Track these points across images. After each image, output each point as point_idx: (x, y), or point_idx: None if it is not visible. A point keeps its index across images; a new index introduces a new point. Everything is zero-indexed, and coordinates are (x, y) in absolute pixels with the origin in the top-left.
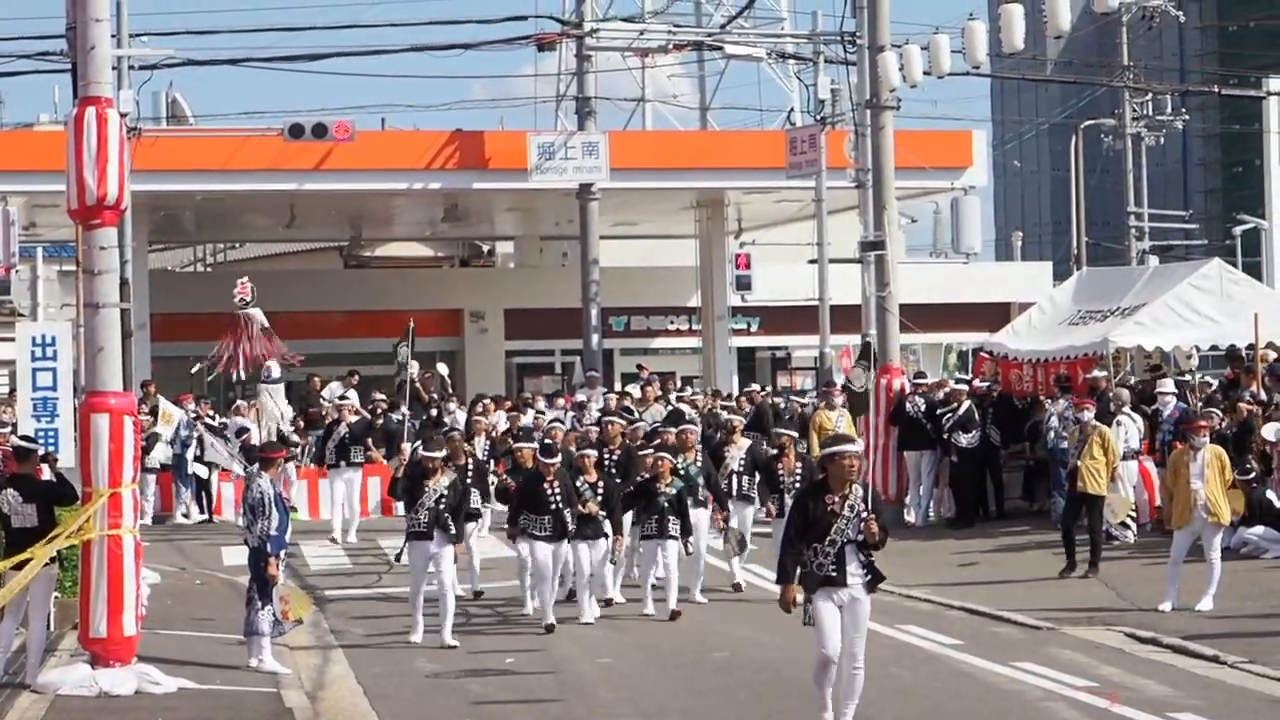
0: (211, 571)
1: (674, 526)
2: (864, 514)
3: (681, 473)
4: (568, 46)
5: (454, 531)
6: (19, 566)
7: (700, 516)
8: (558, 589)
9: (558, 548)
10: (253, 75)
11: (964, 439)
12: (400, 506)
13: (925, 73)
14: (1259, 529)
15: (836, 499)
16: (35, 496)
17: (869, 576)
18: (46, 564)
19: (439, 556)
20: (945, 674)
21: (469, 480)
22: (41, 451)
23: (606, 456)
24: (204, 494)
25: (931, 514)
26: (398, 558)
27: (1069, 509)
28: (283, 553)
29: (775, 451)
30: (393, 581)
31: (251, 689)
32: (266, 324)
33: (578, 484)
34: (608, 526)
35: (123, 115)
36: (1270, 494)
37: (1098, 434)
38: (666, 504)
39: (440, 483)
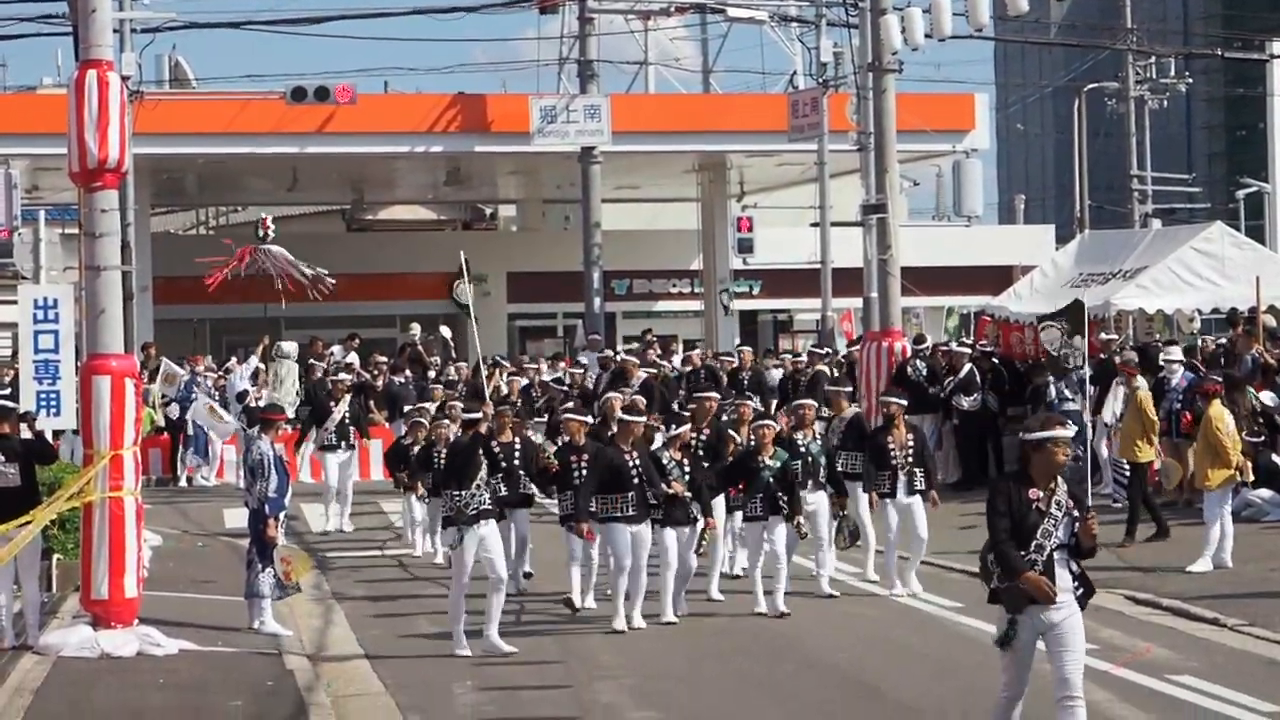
0: (213, 534)
1: (780, 505)
2: (1074, 512)
3: (802, 448)
4: (570, 9)
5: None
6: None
7: (820, 501)
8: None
9: (640, 530)
10: (255, 38)
11: (965, 402)
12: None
13: (927, 35)
14: (1265, 492)
15: (1041, 494)
16: (18, 456)
17: (1080, 590)
18: (26, 524)
19: (487, 541)
20: (946, 636)
21: (516, 461)
22: (20, 411)
23: (694, 438)
24: (208, 455)
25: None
26: (453, 547)
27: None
28: (282, 514)
29: (881, 423)
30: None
31: (253, 651)
32: (289, 259)
33: (663, 461)
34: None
35: (124, 78)
36: (1276, 457)
37: (1136, 399)
38: (771, 479)
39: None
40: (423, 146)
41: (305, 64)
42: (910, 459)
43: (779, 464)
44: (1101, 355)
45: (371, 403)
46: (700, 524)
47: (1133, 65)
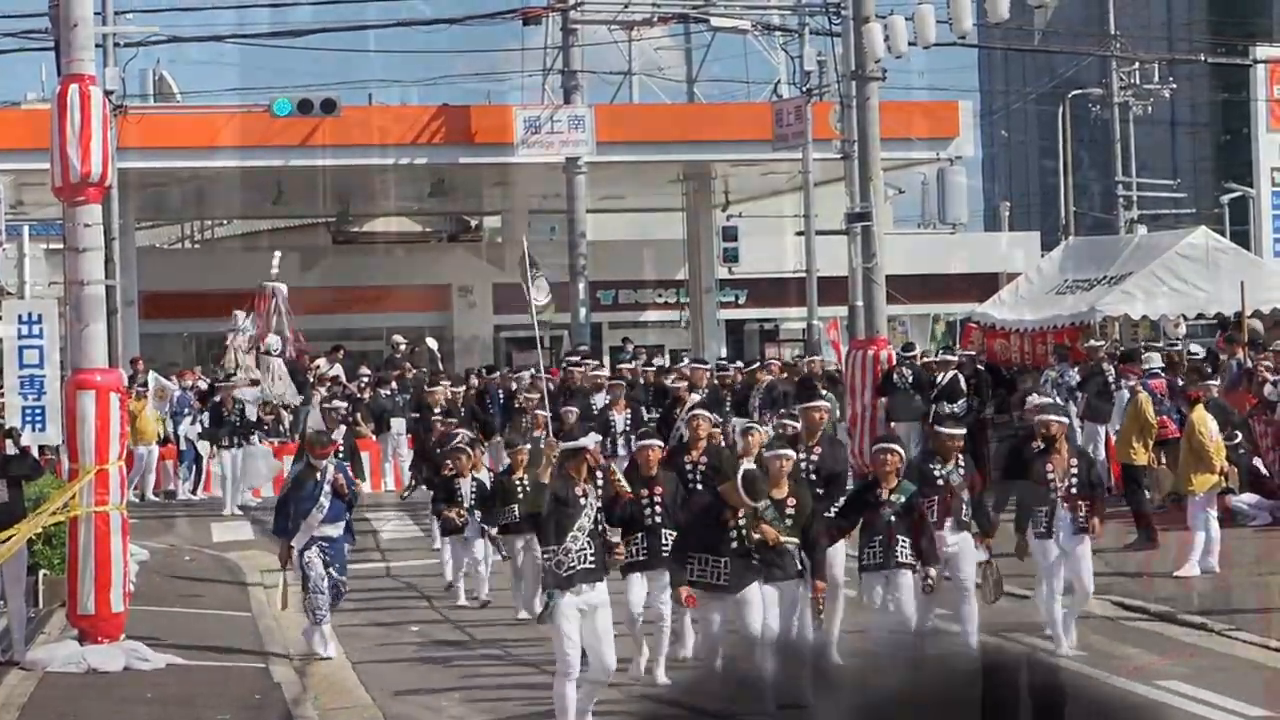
0: (201, 548)
1: (905, 551)
2: None
3: (940, 480)
4: (554, 20)
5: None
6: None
7: (963, 542)
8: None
9: (745, 595)
10: (239, 52)
11: (951, 408)
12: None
13: (911, 43)
14: (1250, 497)
15: None
16: (4, 472)
17: None
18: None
19: (597, 609)
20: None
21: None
22: (6, 426)
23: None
24: (196, 470)
25: None
26: (546, 610)
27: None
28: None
29: (1041, 445)
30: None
31: (239, 664)
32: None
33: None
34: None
35: (108, 93)
36: (1257, 462)
37: (1132, 404)
38: (893, 517)
39: (590, 498)
40: (407, 158)
41: (289, 77)
42: (1075, 489)
43: (904, 498)
44: (1089, 361)
45: (358, 415)
46: (804, 582)
47: (1117, 71)
